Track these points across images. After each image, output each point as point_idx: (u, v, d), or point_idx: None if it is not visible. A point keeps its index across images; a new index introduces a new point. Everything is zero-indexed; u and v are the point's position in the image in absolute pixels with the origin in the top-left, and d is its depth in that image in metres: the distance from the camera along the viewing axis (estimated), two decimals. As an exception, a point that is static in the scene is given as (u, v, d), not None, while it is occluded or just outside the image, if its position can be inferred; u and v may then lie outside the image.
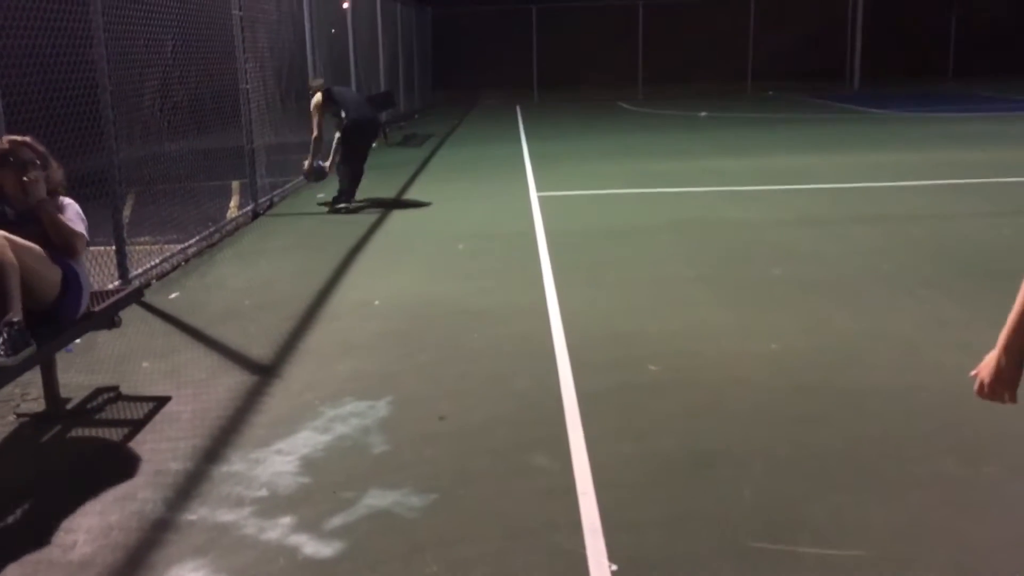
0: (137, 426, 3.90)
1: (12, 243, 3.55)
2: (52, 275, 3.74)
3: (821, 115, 18.68)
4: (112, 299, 4.24)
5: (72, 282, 3.81)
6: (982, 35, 28.46)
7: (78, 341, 4.72)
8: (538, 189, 10.00)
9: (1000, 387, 2.02)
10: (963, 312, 5.05)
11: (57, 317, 3.77)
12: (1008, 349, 2.00)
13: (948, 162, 10.07)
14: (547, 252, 6.93)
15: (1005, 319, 2.62)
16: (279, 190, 9.96)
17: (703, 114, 11.66)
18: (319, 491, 3.27)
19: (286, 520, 3.06)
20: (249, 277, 6.59)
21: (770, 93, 25.44)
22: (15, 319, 3.44)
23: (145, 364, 4.68)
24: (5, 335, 3.35)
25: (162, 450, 3.66)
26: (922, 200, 8.77)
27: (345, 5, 13.99)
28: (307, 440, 3.70)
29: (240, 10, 8.69)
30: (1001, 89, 24.16)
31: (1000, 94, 22.90)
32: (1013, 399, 2.02)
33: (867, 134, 14.87)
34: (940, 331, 4.88)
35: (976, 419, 3.59)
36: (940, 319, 5.07)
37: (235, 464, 3.51)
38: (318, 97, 9.16)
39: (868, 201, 8.85)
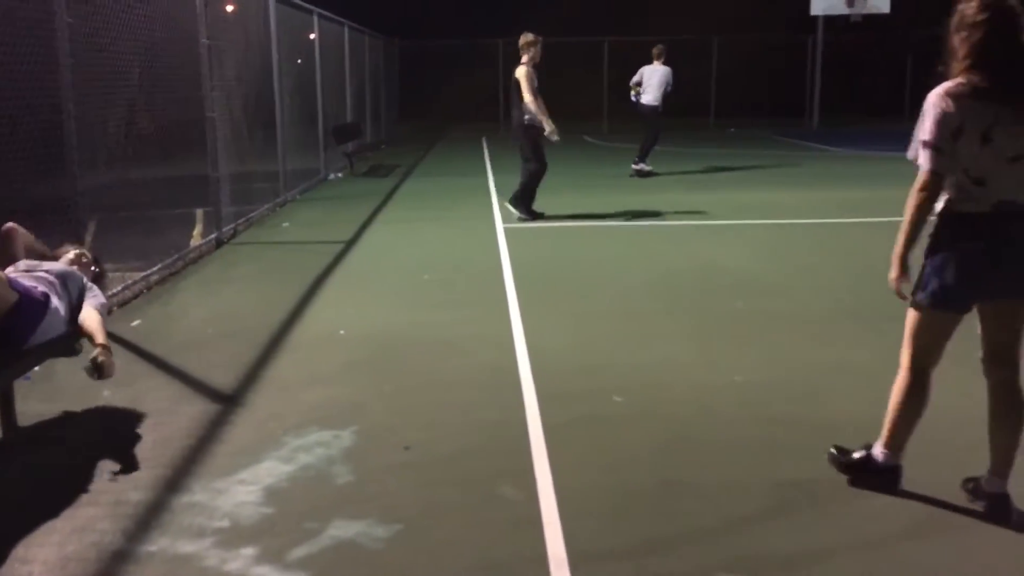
0: (97, 455, 3.83)
1: None
2: (7, 297, 3.69)
3: (780, 151, 18.99)
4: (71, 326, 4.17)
5: (26, 309, 3.76)
6: (937, 75, 29.15)
7: (36, 369, 4.64)
8: (504, 220, 10.05)
9: (900, 289, 3.23)
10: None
11: (3, 337, 3.70)
12: (900, 261, 3.25)
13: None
14: (513, 283, 6.95)
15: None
16: (243, 219, 9.90)
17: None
18: (282, 522, 3.23)
19: (248, 551, 3.02)
20: (212, 305, 6.53)
21: (731, 129, 25.85)
22: None
23: (106, 392, 4.60)
24: None
25: (122, 480, 3.60)
26: (886, 236, 8.91)
27: (312, 36, 14.02)
28: (271, 470, 3.66)
29: (208, 39, 8.68)
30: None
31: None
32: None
33: (828, 171, 15.15)
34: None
35: (938, 451, 3.65)
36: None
37: (197, 494, 3.46)
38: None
39: (832, 236, 9.00)
